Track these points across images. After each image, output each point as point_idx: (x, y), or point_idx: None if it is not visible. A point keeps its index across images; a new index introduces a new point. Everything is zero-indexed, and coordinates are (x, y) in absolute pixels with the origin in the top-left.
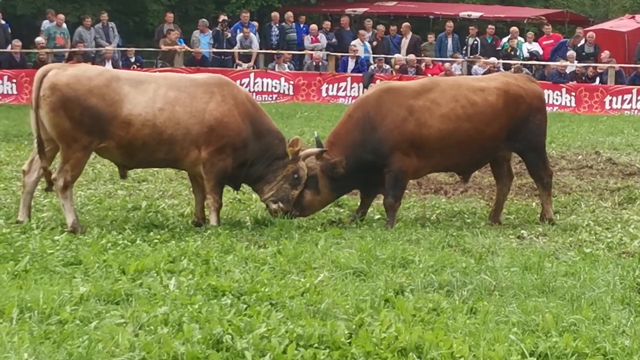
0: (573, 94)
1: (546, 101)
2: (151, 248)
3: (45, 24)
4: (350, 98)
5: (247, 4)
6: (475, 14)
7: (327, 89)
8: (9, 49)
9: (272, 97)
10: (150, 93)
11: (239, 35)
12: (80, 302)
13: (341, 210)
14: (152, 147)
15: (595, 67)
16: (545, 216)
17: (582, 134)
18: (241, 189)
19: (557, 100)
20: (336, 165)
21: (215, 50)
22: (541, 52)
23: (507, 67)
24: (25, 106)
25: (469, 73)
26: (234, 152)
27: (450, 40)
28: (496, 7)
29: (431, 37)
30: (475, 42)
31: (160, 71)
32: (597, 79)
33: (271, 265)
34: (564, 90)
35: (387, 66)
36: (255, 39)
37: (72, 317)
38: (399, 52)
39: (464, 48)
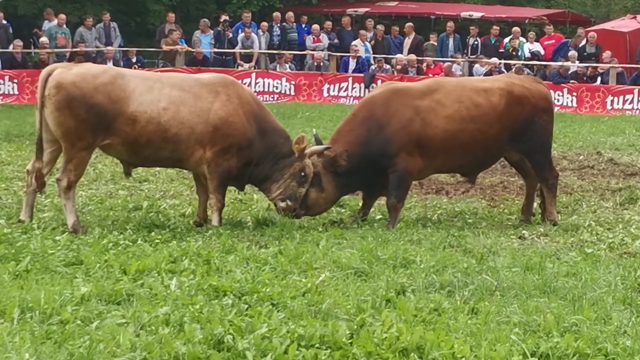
0: (574, 94)
1: None
2: (152, 248)
3: (46, 24)
4: (352, 98)
5: (249, 4)
6: (477, 14)
7: (328, 89)
8: (10, 49)
9: (273, 97)
10: (155, 92)
11: (241, 36)
12: (81, 302)
13: (342, 210)
14: (157, 145)
15: (595, 67)
16: (548, 217)
17: (583, 134)
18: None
19: (558, 100)
20: (337, 159)
21: (216, 50)
22: (542, 52)
23: (508, 67)
24: (27, 106)
25: (470, 73)
26: (239, 151)
27: (451, 40)
28: (497, 7)
29: (433, 37)
30: (476, 42)
31: (162, 71)
32: (599, 79)
33: (272, 265)
34: (565, 90)
35: (388, 66)
36: (256, 39)
37: (74, 317)
38: (400, 52)
39: (465, 49)
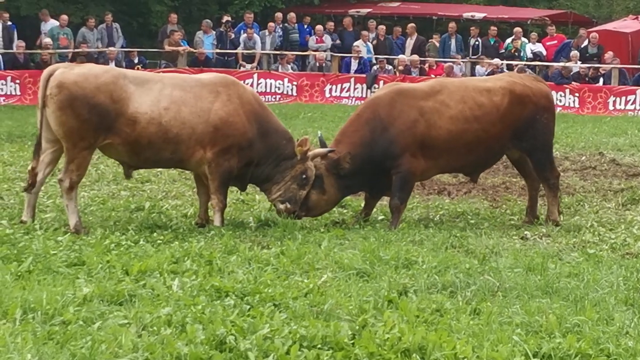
0: (576, 94)
1: None
2: (154, 249)
3: (43, 25)
4: (354, 99)
5: (251, 4)
6: (479, 15)
7: (330, 89)
8: (14, 49)
9: (275, 98)
10: (156, 92)
11: (243, 36)
12: (83, 302)
13: (345, 211)
14: (158, 146)
15: (597, 68)
16: (549, 217)
17: (585, 135)
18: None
19: (560, 101)
20: (340, 162)
21: (218, 51)
22: (545, 52)
23: (510, 67)
24: (29, 107)
25: (472, 74)
26: (240, 151)
27: (453, 41)
28: (500, 7)
29: (436, 38)
30: (477, 43)
31: (164, 72)
32: (601, 80)
33: (274, 266)
34: (567, 91)
35: (390, 67)
36: (258, 39)
37: (76, 318)
38: (403, 53)
39: (466, 50)
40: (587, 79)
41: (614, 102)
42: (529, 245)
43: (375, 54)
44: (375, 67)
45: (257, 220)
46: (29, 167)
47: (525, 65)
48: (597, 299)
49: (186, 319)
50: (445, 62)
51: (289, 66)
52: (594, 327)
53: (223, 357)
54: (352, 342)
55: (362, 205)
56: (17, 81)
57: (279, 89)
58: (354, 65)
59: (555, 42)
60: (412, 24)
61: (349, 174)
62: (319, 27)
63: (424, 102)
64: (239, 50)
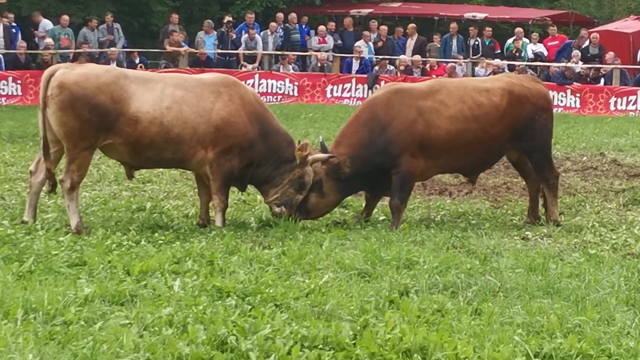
0: (578, 95)
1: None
2: (156, 249)
3: (45, 25)
4: (355, 99)
5: (252, 5)
6: (480, 15)
7: (331, 90)
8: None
9: (276, 98)
10: (157, 92)
11: (244, 37)
12: (84, 303)
13: (346, 211)
14: (159, 146)
15: (598, 69)
16: (550, 217)
17: (587, 135)
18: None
19: (562, 101)
20: (340, 166)
21: (220, 51)
22: (546, 53)
23: (511, 68)
24: (30, 107)
25: (473, 74)
26: (241, 152)
27: (454, 41)
28: (501, 8)
29: (437, 38)
30: (477, 43)
31: (164, 72)
32: (602, 80)
33: (276, 266)
34: (568, 91)
35: (392, 67)
36: (260, 40)
37: (77, 318)
38: (404, 53)
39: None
40: (588, 79)
41: (615, 102)
42: (530, 246)
43: (377, 55)
44: (375, 68)
45: (259, 220)
46: (30, 168)
47: (526, 65)
48: (599, 299)
49: (187, 319)
50: (447, 62)
51: (290, 66)
52: (595, 327)
53: (224, 357)
54: (353, 342)
55: (363, 205)
56: (19, 81)
57: (280, 89)
58: (355, 65)
59: (557, 42)
60: (413, 25)
61: (349, 175)
62: (322, 27)
63: (423, 101)
64: (241, 51)
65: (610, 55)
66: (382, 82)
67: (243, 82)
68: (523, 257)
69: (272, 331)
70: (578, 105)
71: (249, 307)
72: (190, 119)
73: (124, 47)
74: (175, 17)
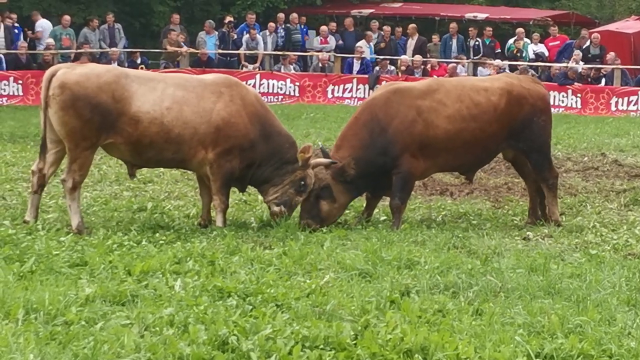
0: (579, 95)
1: (552, 103)
2: (157, 249)
3: (42, 24)
4: (356, 99)
5: (253, 5)
6: (481, 15)
7: (332, 90)
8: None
9: (277, 99)
10: (158, 92)
11: (245, 37)
12: (85, 303)
13: (347, 212)
14: (160, 146)
15: (599, 69)
16: (551, 218)
17: (588, 136)
18: (247, 190)
19: (563, 101)
20: (345, 169)
21: (221, 51)
22: (547, 53)
23: (513, 68)
24: (31, 107)
25: (475, 74)
26: (242, 153)
27: (455, 41)
28: (502, 8)
29: (436, 38)
30: (477, 43)
31: (165, 72)
32: (603, 81)
33: (277, 266)
34: (569, 91)
35: (393, 67)
36: (261, 40)
37: (78, 318)
38: (405, 54)
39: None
40: (589, 79)
41: (617, 102)
42: (531, 246)
43: (380, 55)
44: (376, 68)
45: (260, 220)
46: (32, 168)
47: (527, 65)
48: (600, 299)
49: (188, 319)
50: (447, 62)
51: (291, 67)
52: (596, 327)
53: (225, 357)
54: (354, 342)
55: (364, 206)
56: (20, 82)
57: (281, 89)
58: (357, 65)
59: (558, 42)
60: (413, 25)
61: (355, 177)
62: (324, 27)
63: (421, 101)
64: (242, 51)
65: (611, 55)
66: (383, 83)
67: (244, 83)
68: (524, 258)
69: (273, 331)
70: (579, 106)
71: (250, 307)
72: (191, 120)
73: (125, 47)
74: (176, 17)
